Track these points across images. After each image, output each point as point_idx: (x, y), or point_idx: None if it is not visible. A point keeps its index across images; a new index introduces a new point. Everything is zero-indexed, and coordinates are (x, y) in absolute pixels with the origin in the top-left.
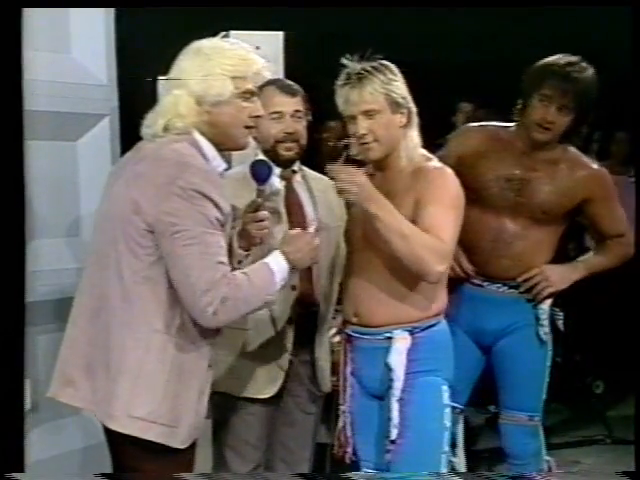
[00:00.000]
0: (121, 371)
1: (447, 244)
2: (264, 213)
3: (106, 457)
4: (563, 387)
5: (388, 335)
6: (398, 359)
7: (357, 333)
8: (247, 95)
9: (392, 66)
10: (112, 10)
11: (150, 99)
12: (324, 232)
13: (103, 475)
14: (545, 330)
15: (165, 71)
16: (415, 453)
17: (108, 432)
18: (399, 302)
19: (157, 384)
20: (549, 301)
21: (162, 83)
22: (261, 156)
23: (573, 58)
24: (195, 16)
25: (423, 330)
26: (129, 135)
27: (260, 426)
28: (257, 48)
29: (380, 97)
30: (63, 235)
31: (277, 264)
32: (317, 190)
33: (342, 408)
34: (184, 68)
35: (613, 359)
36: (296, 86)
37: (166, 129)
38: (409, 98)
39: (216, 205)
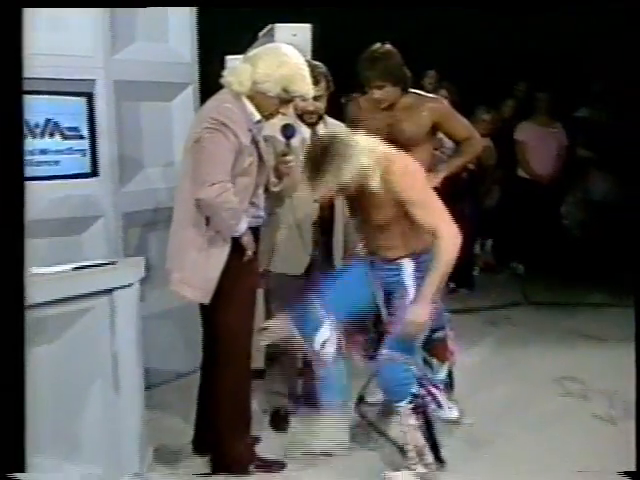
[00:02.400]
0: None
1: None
2: (289, 157)
3: None
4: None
5: (399, 262)
6: (408, 281)
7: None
8: (284, 101)
9: None
10: (195, 8)
11: (219, 73)
12: None
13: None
14: None
15: (228, 53)
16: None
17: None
18: (399, 242)
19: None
20: None
21: (232, 58)
22: (288, 120)
23: (376, 46)
24: (249, 14)
25: (424, 254)
26: (205, 98)
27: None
28: (294, 35)
29: None
30: (160, 165)
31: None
32: None
33: None
34: (259, 56)
35: (530, 250)
36: (320, 72)
37: (230, 84)
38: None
39: (234, 134)
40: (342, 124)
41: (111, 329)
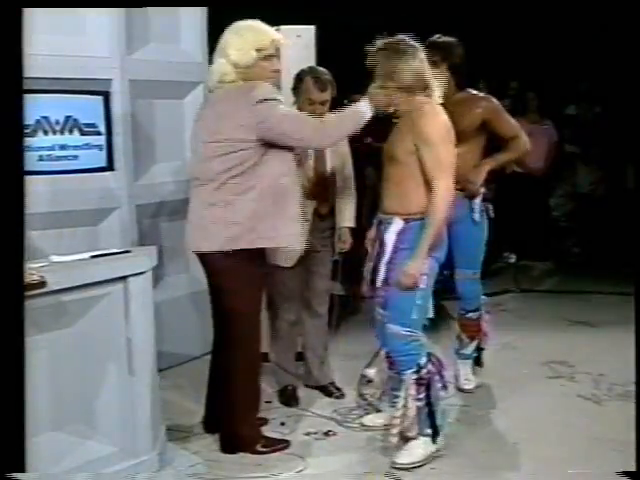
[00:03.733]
0: None
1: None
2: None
3: None
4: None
5: (390, 220)
6: (390, 236)
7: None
8: (268, 58)
9: None
10: (205, 11)
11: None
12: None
13: None
14: (476, 216)
15: None
16: (392, 298)
17: None
18: (400, 201)
19: None
20: (478, 197)
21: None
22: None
23: (435, 36)
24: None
25: (413, 221)
26: None
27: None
28: (298, 36)
29: None
30: (172, 160)
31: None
32: None
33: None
34: (226, 42)
35: (522, 241)
36: (326, 79)
37: (220, 82)
38: None
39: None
40: None
41: (125, 314)
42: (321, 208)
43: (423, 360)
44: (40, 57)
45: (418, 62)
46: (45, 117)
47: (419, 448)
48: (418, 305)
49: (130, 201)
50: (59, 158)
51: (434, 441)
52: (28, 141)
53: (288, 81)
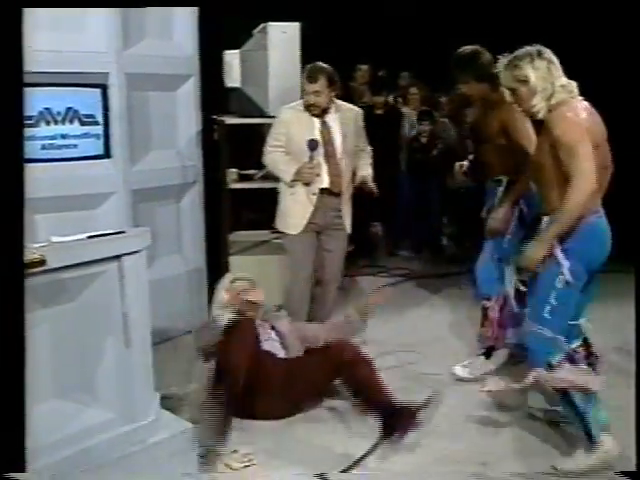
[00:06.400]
0: None
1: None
2: (312, 163)
3: None
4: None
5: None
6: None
7: None
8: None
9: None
10: (196, 9)
11: (218, 66)
12: (345, 139)
13: None
14: None
15: (226, 48)
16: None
17: None
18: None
19: None
20: None
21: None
22: (313, 136)
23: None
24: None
25: None
26: (205, 88)
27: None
28: (284, 32)
29: None
30: (165, 148)
31: None
32: (347, 118)
33: None
34: None
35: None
36: (319, 73)
37: None
38: None
39: None
40: (353, 106)
41: (121, 290)
42: (333, 187)
43: (554, 359)
44: (43, 53)
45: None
46: (47, 109)
47: (580, 455)
48: (552, 305)
49: (126, 186)
50: (60, 147)
51: (592, 449)
52: (32, 131)
53: (274, 74)
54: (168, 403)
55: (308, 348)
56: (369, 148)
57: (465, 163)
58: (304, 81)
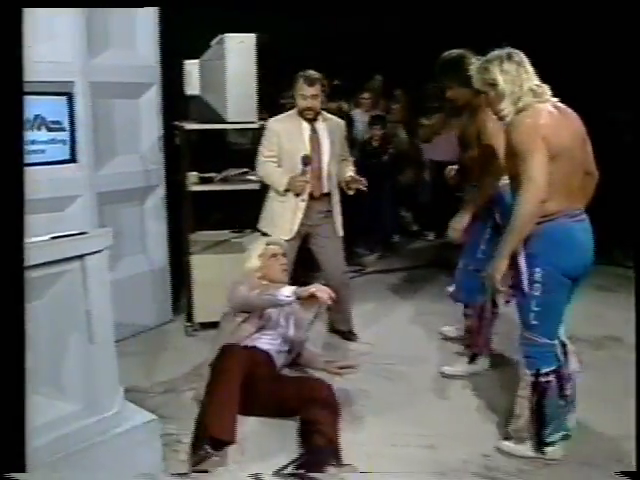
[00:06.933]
0: None
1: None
2: (305, 176)
3: None
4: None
5: None
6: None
7: None
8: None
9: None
10: (157, 16)
11: (179, 75)
12: (333, 146)
13: None
14: None
15: (186, 57)
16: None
17: None
18: None
19: None
20: None
21: (189, 63)
22: (303, 142)
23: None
24: (206, 23)
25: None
26: (166, 96)
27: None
28: (241, 42)
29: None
30: (129, 153)
31: None
32: (333, 127)
33: None
34: None
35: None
36: (316, 77)
37: None
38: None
39: None
40: (336, 117)
41: (84, 289)
42: (318, 190)
43: (545, 367)
44: None
45: None
46: None
47: (520, 450)
48: (535, 311)
49: (92, 189)
50: (28, 152)
51: (539, 449)
52: None
53: (231, 82)
54: (132, 396)
55: (286, 378)
56: (351, 158)
57: (455, 167)
58: (302, 86)
